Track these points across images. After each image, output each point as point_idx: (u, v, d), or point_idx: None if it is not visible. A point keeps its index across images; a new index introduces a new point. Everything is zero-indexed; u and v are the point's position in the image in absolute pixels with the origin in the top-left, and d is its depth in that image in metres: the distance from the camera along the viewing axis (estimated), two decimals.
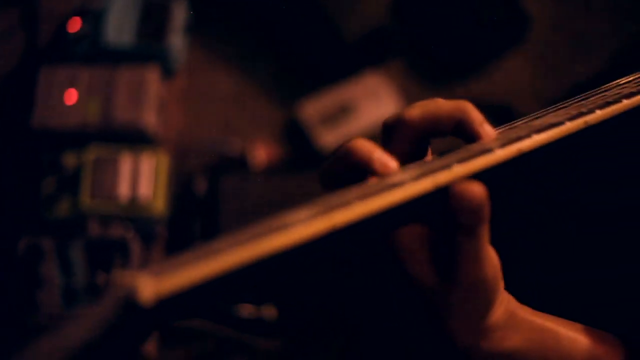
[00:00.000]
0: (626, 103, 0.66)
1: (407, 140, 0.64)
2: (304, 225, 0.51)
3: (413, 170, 0.59)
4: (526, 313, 0.67)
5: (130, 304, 0.43)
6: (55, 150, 1.51)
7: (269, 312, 1.46)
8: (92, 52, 1.61)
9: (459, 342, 0.64)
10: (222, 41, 1.77)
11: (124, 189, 1.47)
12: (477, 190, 0.58)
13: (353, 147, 0.61)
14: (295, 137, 1.67)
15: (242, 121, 1.69)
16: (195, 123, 1.68)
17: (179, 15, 1.65)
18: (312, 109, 1.67)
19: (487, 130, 0.64)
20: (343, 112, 1.67)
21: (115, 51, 1.61)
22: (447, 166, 0.58)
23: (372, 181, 0.59)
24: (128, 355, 0.44)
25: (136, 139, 1.53)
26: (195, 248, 0.48)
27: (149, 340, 1.36)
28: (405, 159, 0.63)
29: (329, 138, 1.64)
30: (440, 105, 0.64)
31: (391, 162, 0.61)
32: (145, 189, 1.48)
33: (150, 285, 0.44)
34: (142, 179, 1.48)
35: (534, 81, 1.72)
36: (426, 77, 1.74)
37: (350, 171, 0.62)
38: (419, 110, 0.64)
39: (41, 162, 1.51)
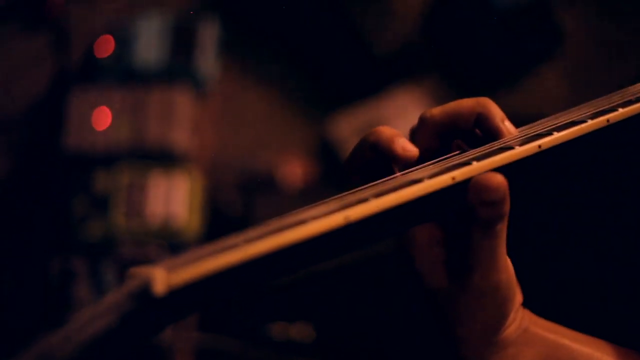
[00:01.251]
0: None
1: (430, 136, 0.64)
2: (317, 222, 0.51)
3: (432, 167, 0.59)
4: (540, 328, 0.65)
5: (144, 293, 0.44)
6: (87, 171, 1.51)
7: (307, 332, 1.46)
8: (122, 73, 1.62)
9: (468, 354, 0.63)
10: (255, 61, 1.77)
11: (157, 209, 1.46)
12: (498, 180, 0.57)
13: (376, 132, 0.63)
14: (328, 153, 1.67)
15: (275, 139, 1.69)
16: (229, 142, 1.68)
17: (210, 36, 1.65)
18: (345, 124, 1.67)
19: (508, 127, 0.63)
20: (376, 126, 1.67)
21: (145, 72, 1.61)
22: (467, 163, 0.57)
23: (396, 175, 0.59)
24: (142, 345, 0.46)
25: (168, 158, 1.52)
26: (212, 244, 0.48)
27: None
28: (430, 156, 0.63)
29: None
30: (461, 101, 0.64)
31: (412, 147, 0.61)
32: (178, 209, 1.47)
33: (163, 277, 0.45)
34: (176, 198, 1.47)
35: (569, 93, 1.70)
36: (459, 91, 1.73)
37: (374, 158, 0.63)
38: (440, 107, 0.65)
39: (73, 183, 1.50)
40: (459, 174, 0.56)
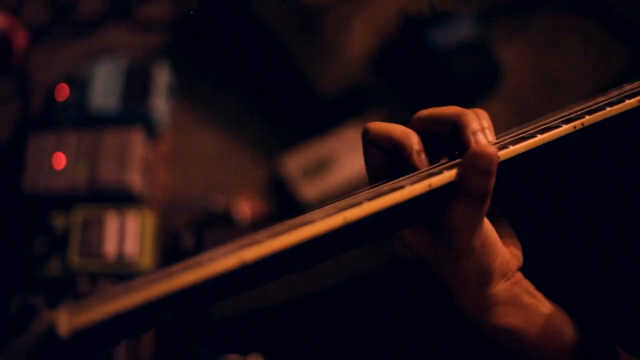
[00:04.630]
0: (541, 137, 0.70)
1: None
2: (213, 264, 0.55)
3: (328, 208, 0.64)
4: (532, 300, 0.71)
5: (49, 335, 0.49)
6: (45, 211, 1.57)
7: None
8: (79, 117, 1.68)
9: (464, 308, 0.70)
10: (206, 102, 1.83)
11: (111, 247, 1.52)
12: (492, 150, 0.64)
13: (405, 136, 0.70)
14: (279, 191, 1.72)
15: (227, 178, 1.74)
16: (182, 181, 1.73)
17: (162, 79, 1.72)
18: (294, 163, 1.72)
19: (478, 139, 0.69)
20: (324, 164, 1.71)
21: (100, 116, 1.68)
22: (358, 203, 0.62)
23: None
24: None
25: (122, 199, 1.58)
26: (120, 285, 0.53)
27: None
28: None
29: (311, 190, 1.68)
30: (446, 108, 0.70)
31: (426, 162, 0.69)
32: (131, 247, 1.52)
33: (66, 320, 0.49)
34: (129, 237, 1.53)
35: (509, 126, 1.76)
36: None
37: (391, 151, 0.70)
38: (428, 110, 0.71)
39: (32, 223, 1.56)
40: (351, 214, 0.61)
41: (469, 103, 1.80)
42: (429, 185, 0.64)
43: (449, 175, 0.65)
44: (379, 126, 0.71)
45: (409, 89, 1.85)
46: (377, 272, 1.57)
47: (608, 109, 0.73)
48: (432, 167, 0.69)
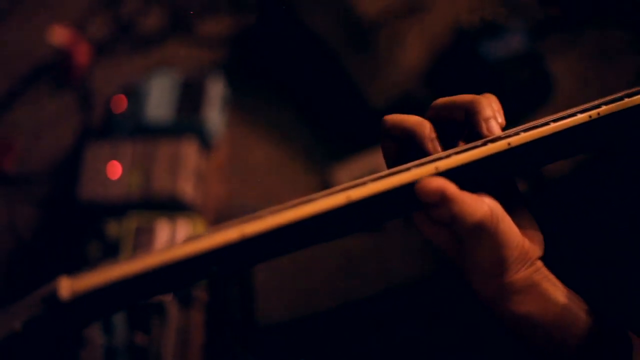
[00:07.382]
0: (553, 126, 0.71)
1: (432, 121, 0.72)
2: (212, 237, 0.59)
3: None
4: (551, 287, 0.71)
5: (51, 298, 0.52)
6: (100, 218, 1.61)
7: None
8: (135, 128, 1.73)
9: (481, 294, 0.70)
10: (260, 114, 1.87)
11: None
12: (435, 185, 0.64)
13: (418, 125, 0.71)
14: None
15: (279, 188, 1.76)
16: (235, 191, 1.77)
17: (215, 91, 1.75)
18: (345, 173, 1.73)
19: (491, 126, 0.70)
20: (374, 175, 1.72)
21: (155, 126, 1.72)
22: (364, 183, 0.64)
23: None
24: (52, 346, 0.53)
25: (174, 207, 1.61)
26: (125, 257, 0.55)
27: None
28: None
29: None
30: (462, 95, 0.73)
31: (439, 149, 0.70)
32: None
33: (68, 284, 0.53)
34: None
35: None
36: None
37: (406, 138, 0.71)
38: (445, 98, 0.74)
39: (86, 230, 1.60)
40: (354, 193, 0.63)
41: (520, 115, 1.81)
42: (436, 168, 0.65)
43: (456, 159, 0.66)
44: (394, 117, 0.73)
45: None
46: (422, 280, 1.57)
47: (626, 99, 0.74)
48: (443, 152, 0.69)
